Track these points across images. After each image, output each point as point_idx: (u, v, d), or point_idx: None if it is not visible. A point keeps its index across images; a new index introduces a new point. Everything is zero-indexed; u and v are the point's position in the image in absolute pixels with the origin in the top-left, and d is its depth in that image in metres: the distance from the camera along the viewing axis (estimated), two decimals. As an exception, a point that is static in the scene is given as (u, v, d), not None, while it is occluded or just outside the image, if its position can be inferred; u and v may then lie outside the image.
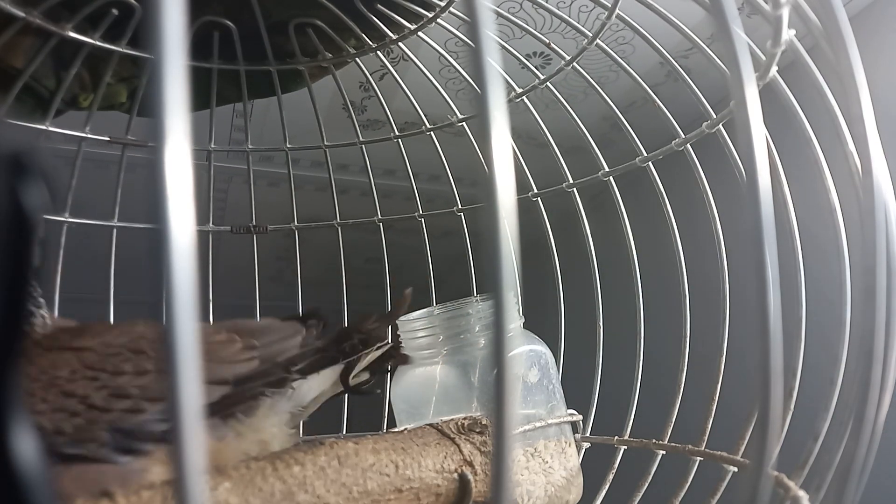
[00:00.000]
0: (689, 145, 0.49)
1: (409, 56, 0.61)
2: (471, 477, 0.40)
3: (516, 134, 0.62)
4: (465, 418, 0.43)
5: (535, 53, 0.95)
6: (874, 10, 0.97)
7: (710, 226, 0.48)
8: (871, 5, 0.97)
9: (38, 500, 0.15)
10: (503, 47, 0.58)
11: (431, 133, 0.64)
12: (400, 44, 0.60)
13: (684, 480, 0.45)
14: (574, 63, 0.55)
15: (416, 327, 0.49)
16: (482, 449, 0.41)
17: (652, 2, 0.48)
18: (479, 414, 0.44)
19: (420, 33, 0.59)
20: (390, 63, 0.63)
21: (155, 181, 0.12)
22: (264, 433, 0.37)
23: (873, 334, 0.23)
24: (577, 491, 0.48)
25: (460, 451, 0.40)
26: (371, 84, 0.64)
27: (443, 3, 0.55)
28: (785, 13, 0.32)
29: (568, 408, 0.51)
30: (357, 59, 0.62)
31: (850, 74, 0.25)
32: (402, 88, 0.63)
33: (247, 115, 0.66)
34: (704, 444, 0.46)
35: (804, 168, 0.38)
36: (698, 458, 0.45)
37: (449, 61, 0.62)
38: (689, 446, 0.46)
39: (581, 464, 0.50)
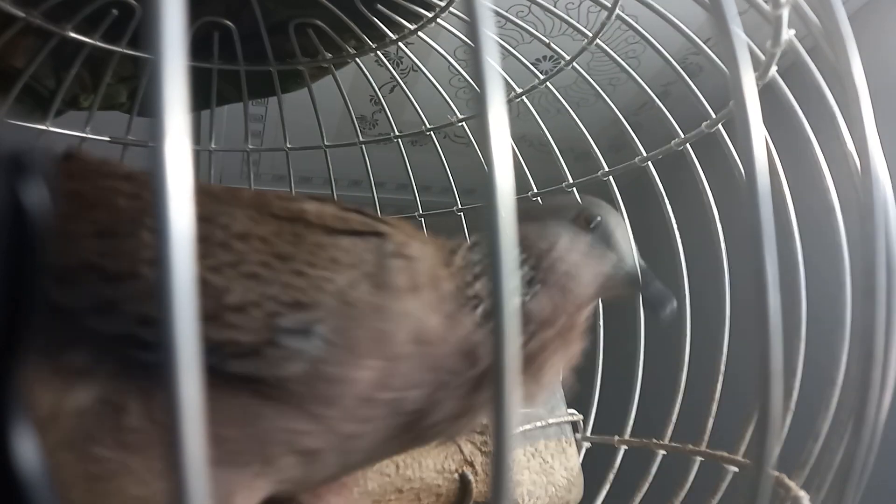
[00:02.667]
0: (688, 145, 0.49)
1: (417, 64, 0.61)
2: (471, 477, 0.40)
3: (528, 136, 0.62)
4: (465, 418, 0.43)
5: (545, 57, 0.95)
6: (875, 8, 0.97)
7: (710, 226, 0.48)
8: (871, 2, 0.97)
9: (39, 502, 0.15)
10: (507, 50, 0.58)
11: (432, 133, 0.64)
12: (408, 51, 0.60)
13: (685, 480, 0.45)
14: (574, 63, 0.55)
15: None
16: (483, 449, 0.41)
17: (652, 2, 0.48)
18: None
19: (428, 39, 0.59)
20: (401, 72, 0.63)
21: (155, 181, 0.12)
22: None
23: (873, 334, 0.23)
24: (577, 491, 0.48)
25: (461, 451, 0.40)
26: (378, 96, 0.64)
27: (443, 3, 0.55)
28: (785, 13, 0.32)
29: (568, 408, 0.51)
30: (357, 59, 0.62)
31: (849, 74, 0.25)
32: (408, 97, 0.63)
33: (247, 115, 0.66)
34: (705, 444, 0.46)
35: (804, 168, 0.38)
36: (699, 458, 0.45)
37: (454, 66, 0.62)
38: (690, 446, 0.46)
39: (581, 464, 0.50)
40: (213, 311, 0.25)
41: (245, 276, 0.25)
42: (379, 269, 0.27)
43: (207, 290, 0.25)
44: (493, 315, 0.14)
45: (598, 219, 0.32)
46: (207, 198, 0.29)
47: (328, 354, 0.24)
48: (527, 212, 0.34)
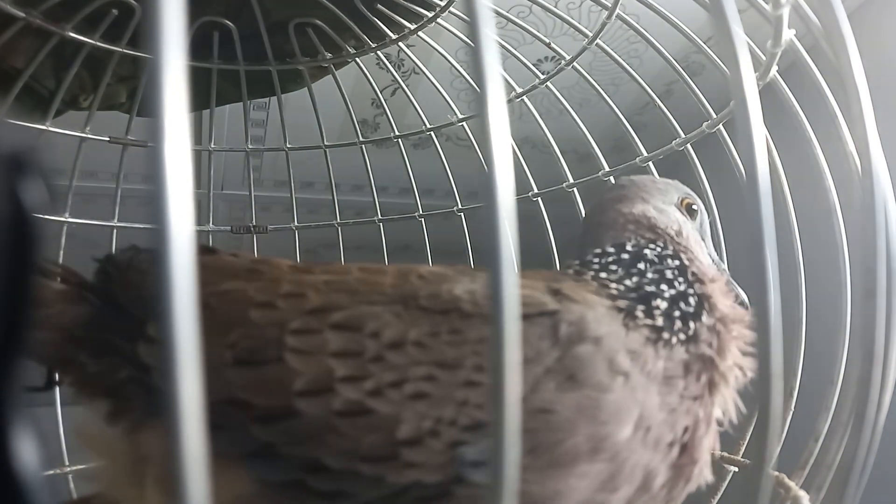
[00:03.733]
0: (689, 145, 0.49)
1: (418, 65, 0.61)
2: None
3: (532, 138, 0.62)
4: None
5: (546, 58, 0.95)
6: (872, 6, 0.97)
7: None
8: (868, 1, 0.97)
9: (39, 502, 0.15)
10: (508, 51, 0.58)
11: (432, 133, 0.64)
12: (409, 52, 0.60)
13: (684, 480, 0.45)
14: (575, 63, 0.55)
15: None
16: None
17: (653, 2, 0.48)
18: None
19: (429, 39, 0.59)
20: (403, 75, 0.63)
21: (154, 181, 0.11)
22: None
23: (873, 334, 0.23)
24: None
25: None
26: (380, 98, 0.64)
27: (443, 3, 0.55)
28: (785, 13, 0.32)
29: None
30: (357, 59, 0.62)
31: (850, 75, 0.25)
32: (409, 99, 0.63)
33: (247, 114, 0.66)
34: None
35: (804, 168, 0.38)
36: (698, 458, 0.45)
37: (455, 68, 0.61)
38: (690, 446, 0.46)
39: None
40: (386, 448, 0.21)
41: (413, 399, 0.21)
42: (566, 361, 0.22)
43: (375, 422, 0.21)
44: (493, 313, 0.14)
45: (697, 208, 0.32)
46: (346, 295, 0.24)
47: (529, 477, 0.20)
48: (625, 188, 0.33)
